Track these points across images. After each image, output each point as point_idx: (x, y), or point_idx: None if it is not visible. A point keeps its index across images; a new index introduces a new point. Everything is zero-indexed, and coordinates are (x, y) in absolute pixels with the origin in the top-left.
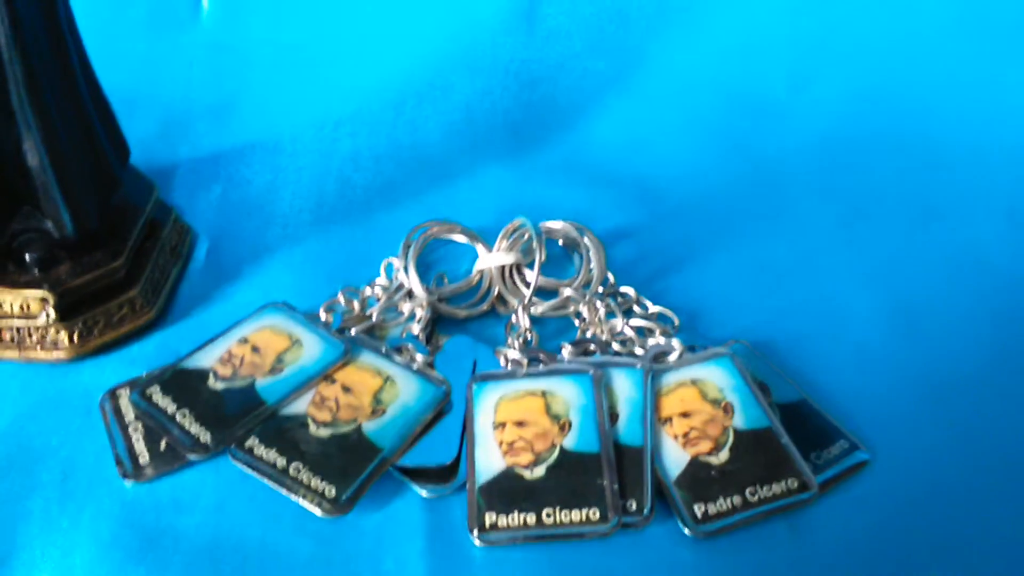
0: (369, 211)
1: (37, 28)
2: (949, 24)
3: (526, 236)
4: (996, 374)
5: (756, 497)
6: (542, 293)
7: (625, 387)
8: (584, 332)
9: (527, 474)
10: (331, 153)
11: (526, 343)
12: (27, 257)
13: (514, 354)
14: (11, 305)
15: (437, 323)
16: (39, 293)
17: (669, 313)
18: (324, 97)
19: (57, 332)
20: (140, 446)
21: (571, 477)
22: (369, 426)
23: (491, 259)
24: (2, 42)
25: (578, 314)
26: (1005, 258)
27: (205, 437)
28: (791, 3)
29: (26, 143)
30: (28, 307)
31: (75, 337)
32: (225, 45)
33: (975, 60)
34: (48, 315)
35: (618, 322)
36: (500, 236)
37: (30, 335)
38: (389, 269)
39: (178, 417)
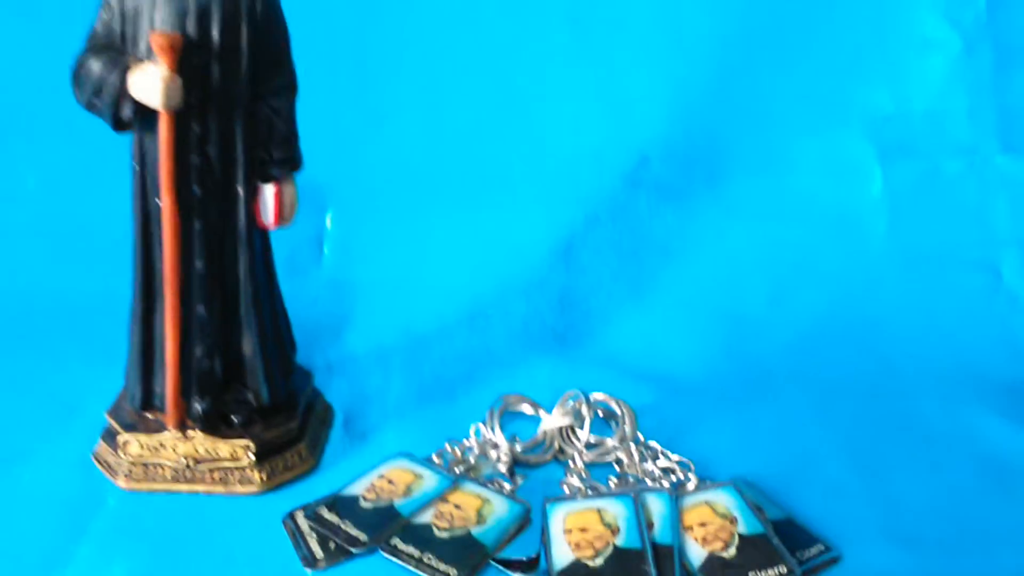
0: (454, 395)
1: (259, 260)
2: (889, 255)
3: (578, 405)
4: (935, 499)
5: None
6: (590, 446)
7: (657, 505)
8: (623, 471)
9: (590, 563)
10: (424, 356)
11: (582, 479)
12: (234, 419)
13: (575, 483)
14: (224, 452)
15: (515, 467)
16: (243, 443)
17: (687, 460)
18: (415, 316)
19: (252, 472)
20: (315, 547)
21: (622, 565)
22: (476, 531)
23: (552, 421)
24: (241, 274)
25: (618, 460)
26: (935, 421)
27: (363, 537)
28: (766, 244)
29: (244, 339)
30: (235, 454)
31: (264, 476)
32: (340, 281)
33: (910, 283)
34: (249, 459)
35: (649, 464)
36: (558, 404)
37: (233, 474)
38: (477, 432)
39: (341, 525)
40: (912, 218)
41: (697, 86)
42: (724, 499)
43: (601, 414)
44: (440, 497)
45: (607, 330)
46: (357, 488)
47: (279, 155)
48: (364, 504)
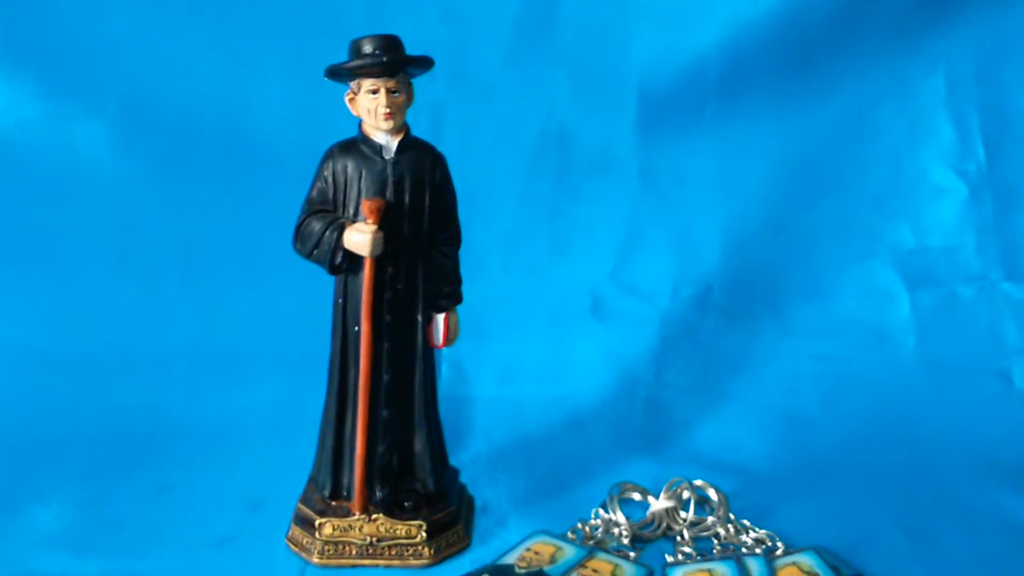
0: (570, 487)
1: (429, 374)
2: (919, 365)
3: (680, 491)
4: (968, 558)
5: None
6: (692, 524)
7: (755, 567)
8: (723, 542)
9: None
10: (538, 457)
11: (691, 547)
12: (406, 504)
13: (687, 550)
14: (400, 532)
15: (634, 542)
16: (416, 523)
17: (772, 534)
18: (525, 425)
19: (423, 548)
20: None
21: None
22: None
23: (659, 504)
24: (416, 384)
25: (716, 534)
26: (965, 496)
27: None
28: (816, 358)
29: (416, 438)
30: (410, 532)
31: (433, 551)
32: (456, 396)
33: (937, 388)
34: (421, 537)
35: (743, 536)
36: (663, 490)
37: (407, 550)
38: (596, 514)
39: None
40: (935, 334)
41: (751, 228)
42: (808, 561)
43: (696, 499)
44: (580, 564)
45: (687, 432)
46: (510, 558)
47: (448, 290)
48: (518, 571)
